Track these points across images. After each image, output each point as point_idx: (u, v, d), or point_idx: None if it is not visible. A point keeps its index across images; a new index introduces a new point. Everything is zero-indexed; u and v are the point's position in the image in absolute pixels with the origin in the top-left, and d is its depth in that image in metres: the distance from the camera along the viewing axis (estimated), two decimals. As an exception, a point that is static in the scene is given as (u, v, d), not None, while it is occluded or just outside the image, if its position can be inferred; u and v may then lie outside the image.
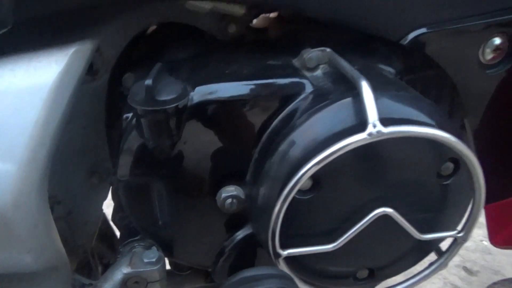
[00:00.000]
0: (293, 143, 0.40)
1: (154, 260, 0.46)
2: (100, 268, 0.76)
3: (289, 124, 0.42)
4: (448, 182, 0.42)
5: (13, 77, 0.41)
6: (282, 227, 0.40)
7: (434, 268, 0.48)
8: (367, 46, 0.53)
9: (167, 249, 0.49)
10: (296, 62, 0.47)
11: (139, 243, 0.49)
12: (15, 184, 0.41)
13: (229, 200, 0.45)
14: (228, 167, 0.45)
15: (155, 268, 0.46)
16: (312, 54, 0.46)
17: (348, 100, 0.39)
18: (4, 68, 0.40)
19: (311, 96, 0.43)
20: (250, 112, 0.43)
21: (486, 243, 1.47)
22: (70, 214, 0.59)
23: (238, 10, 0.48)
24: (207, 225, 0.48)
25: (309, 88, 0.43)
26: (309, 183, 0.40)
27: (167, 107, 0.39)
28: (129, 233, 0.50)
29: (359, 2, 0.45)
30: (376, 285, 0.50)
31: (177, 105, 0.39)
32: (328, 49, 0.46)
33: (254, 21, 0.61)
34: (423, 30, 0.47)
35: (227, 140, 0.44)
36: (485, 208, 0.71)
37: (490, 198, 0.66)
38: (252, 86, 0.43)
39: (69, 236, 0.61)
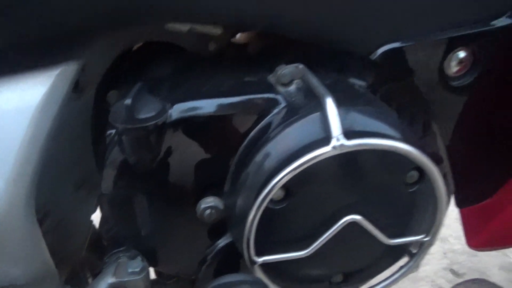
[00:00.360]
0: (265, 155, 0.43)
1: (138, 269, 0.48)
2: (90, 279, 0.78)
3: (262, 138, 0.44)
4: (413, 189, 0.45)
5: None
6: (257, 235, 0.43)
7: (405, 271, 0.50)
8: (341, 60, 0.56)
9: (151, 258, 0.51)
10: (271, 78, 0.50)
11: (124, 254, 0.51)
12: (3, 200, 0.43)
13: (208, 211, 0.47)
14: (207, 179, 0.47)
15: (139, 277, 0.48)
16: (286, 70, 0.49)
17: (316, 115, 0.42)
18: (-10, 90, 0.43)
19: (283, 111, 0.45)
20: (226, 127, 0.46)
21: (473, 245, 1.49)
22: (59, 226, 0.61)
23: (215, 30, 0.50)
24: (189, 235, 0.51)
25: (282, 103, 0.46)
26: (282, 194, 0.42)
27: (146, 124, 0.41)
28: (114, 244, 0.52)
29: (329, 21, 0.48)
30: (352, 288, 0.53)
31: (156, 123, 0.42)
32: (301, 65, 0.49)
33: (238, 35, 0.63)
34: (391, 45, 0.50)
35: (205, 154, 0.46)
36: (461, 211, 0.74)
37: (466, 202, 0.69)
38: (228, 103, 0.46)
39: (58, 248, 0.62)
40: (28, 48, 0.44)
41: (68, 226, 0.63)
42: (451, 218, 0.67)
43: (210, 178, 0.47)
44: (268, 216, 0.42)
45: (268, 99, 0.47)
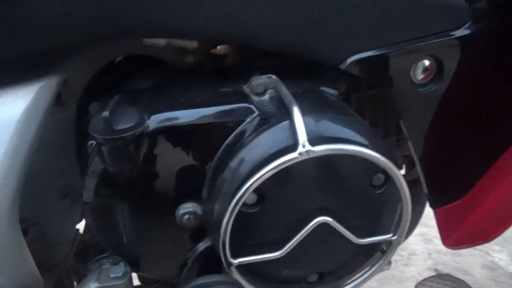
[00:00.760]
0: (239, 162, 0.45)
1: (120, 274, 0.50)
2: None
3: (236, 145, 0.47)
4: (380, 191, 0.48)
5: (-17, 113, 0.45)
6: (232, 238, 0.45)
7: (376, 268, 0.53)
8: (313, 71, 0.59)
9: (134, 264, 0.53)
10: (246, 88, 0.52)
11: (108, 260, 0.53)
12: (-14, 211, 0.45)
13: (187, 216, 0.49)
14: (185, 186, 0.49)
15: (121, 282, 0.50)
16: (259, 80, 0.51)
17: (285, 123, 0.44)
18: (-27, 105, 0.44)
19: (256, 119, 0.48)
20: (202, 135, 0.48)
21: (457, 245, 1.53)
22: (44, 236, 0.62)
23: (190, 44, 0.53)
24: (170, 240, 0.53)
25: (255, 112, 0.49)
26: (255, 198, 0.45)
27: (124, 135, 0.43)
28: (98, 251, 0.54)
29: (298, 35, 0.51)
30: (327, 287, 0.55)
31: (134, 133, 0.44)
32: (273, 76, 0.52)
33: (219, 47, 0.66)
34: (359, 55, 0.53)
35: (183, 162, 0.48)
36: (436, 212, 0.77)
37: (439, 203, 0.72)
38: (203, 113, 0.48)
39: (44, 257, 0.64)
40: (10, 62, 0.46)
41: (53, 236, 0.64)
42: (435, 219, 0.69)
43: (188, 184, 0.49)
44: (242, 220, 0.45)
45: (242, 108, 0.49)
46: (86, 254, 0.84)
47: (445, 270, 1.45)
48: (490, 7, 0.54)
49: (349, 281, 0.54)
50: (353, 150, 0.43)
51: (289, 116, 0.44)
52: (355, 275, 0.54)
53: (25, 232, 0.52)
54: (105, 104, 0.50)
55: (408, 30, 0.53)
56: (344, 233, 0.47)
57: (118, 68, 0.62)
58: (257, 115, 0.48)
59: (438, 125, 0.61)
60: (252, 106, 0.49)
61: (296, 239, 0.46)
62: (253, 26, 0.48)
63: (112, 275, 0.49)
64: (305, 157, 0.41)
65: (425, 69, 0.56)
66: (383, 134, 0.67)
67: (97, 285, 0.49)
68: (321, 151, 0.42)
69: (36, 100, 0.46)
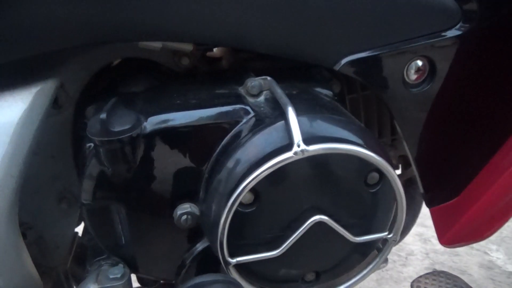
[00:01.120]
0: (235, 162, 0.45)
1: (119, 276, 0.50)
2: (75, 290, 0.79)
3: (232, 146, 0.47)
4: (375, 190, 0.48)
5: (-19, 116, 0.45)
6: (230, 237, 0.45)
7: (372, 267, 0.53)
8: (308, 72, 0.60)
9: (132, 265, 0.53)
10: (241, 89, 0.53)
11: (106, 261, 0.54)
12: (-15, 214, 0.45)
13: (184, 217, 0.49)
14: (182, 187, 0.50)
15: (120, 283, 0.50)
16: (255, 82, 0.52)
17: (280, 123, 0.45)
18: (-28, 109, 0.45)
19: (252, 121, 0.49)
20: (199, 137, 0.48)
21: (454, 245, 1.53)
22: (41, 239, 0.63)
23: (186, 47, 0.54)
24: (168, 241, 0.53)
25: (250, 113, 0.49)
26: (251, 197, 0.45)
27: (121, 137, 0.44)
28: (96, 253, 0.54)
29: (292, 37, 0.51)
30: (324, 286, 0.55)
31: (131, 135, 0.45)
32: (269, 78, 0.52)
33: (215, 49, 0.67)
34: (353, 56, 0.53)
35: (180, 163, 0.49)
36: (431, 210, 0.78)
37: (435, 202, 0.73)
38: (200, 114, 0.49)
39: (42, 260, 0.64)
40: (8, 67, 0.47)
41: (51, 239, 0.64)
42: (432, 219, 0.70)
43: (186, 185, 0.50)
44: (239, 219, 0.45)
45: (238, 109, 0.50)
46: (85, 257, 0.85)
47: (443, 269, 1.46)
48: (481, 8, 0.54)
49: (346, 280, 0.54)
50: (347, 149, 0.44)
51: (284, 116, 0.45)
52: (352, 274, 0.55)
53: (22, 235, 0.52)
54: (102, 107, 0.51)
55: (400, 31, 0.54)
56: (340, 232, 0.48)
57: (114, 71, 0.63)
58: (253, 116, 0.49)
59: (432, 125, 0.62)
60: (247, 107, 0.50)
61: (293, 238, 0.47)
62: (247, 28, 0.48)
63: (111, 276, 0.49)
64: (300, 156, 0.42)
65: (418, 70, 0.57)
66: (377, 134, 0.68)
67: (96, 286, 0.49)
68: (315, 150, 0.42)
69: (34, 103, 0.47)
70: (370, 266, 0.53)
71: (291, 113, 0.43)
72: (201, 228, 0.52)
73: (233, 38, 0.49)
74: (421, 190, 0.68)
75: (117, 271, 0.51)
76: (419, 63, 0.56)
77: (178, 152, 0.48)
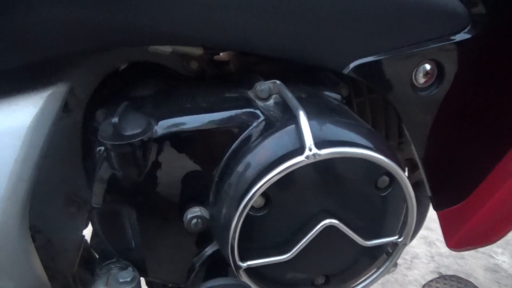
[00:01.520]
0: (245, 166, 0.45)
1: (129, 279, 0.50)
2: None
3: (242, 149, 0.47)
4: (385, 193, 0.48)
5: (-7, 120, 0.45)
6: (240, 241, 0.45)
7: (382, 271, 0.53)
8: (316, 75, 0.60)
9: (141, 269, 0.53)
10: (250, 93, 0.53)
11: (116, 265, 0.54)
12: (-3, 218, 0.45)
13: (195, 220, 0.49)
14: (192, 191, 0.50)
15: (130, 287, 0.50)
16: (264, 86, 0.52)
17: (291, 127, 0.45)
18: (-15, 113, 0.45)
19: (262, 124, 0.49)
20: (209, 140, 0.49)
21: (459, 248, 1.53)
22: (50, 242, 0.63)
23: (196, 51, 0.54)
24: (177, 244, 0.53)
25: (260, 117, 0.49)
26: (262, 201, 0.45)
27: (133, 141, 0.44)
28: (105, 256, 0.54)
29: (301, 41, 0.52)
30: (334, 290, 0.55)
31: (142, 139, 0.45)
32: (278, 81, 0.52)
33: (222, 53, 0.67)
34: (361, 60, 0.53)
35: (190, 167, 0.49)
36: (439, 214, 0.77)
37: (442, 205, 0.72)
38: (210, 118, 0.49)
39: (50, 263, 0.64)
40: (20, 71, 0.47)
41: (59, 242, 0.65)
42: (438, 222, 0.70)
43: (196, 189, 0.50)
44: (250, 223, 0.45)
45: (248, 113, 0.50)
46: (92, 261, 0.85)
47: (448, 273, 1.45)
48: (489, 12, 0.55)
49: (355, 284, 0.54)
50: (358, 153, 0.44)
51: (294, 120, 0.45)
52: (361, 278, 0.55)
53: (32, 238, 0.52)
54: (111, 111, 0.51)
55: (409, 35, 0.54)
56: (350, 236, 0.48)
57: (121, 75, 0.63)
58: (263, 120, 0.49)
59: (440, 128, 0.62)
60: (257, 111, 0.50)
61: (304, 242, 0.47)
62: (258, 32, 0.49)
63: (121, 280, 0.49)
64: (311, 160, 0.42)
65: (426, 73, 0.57)
66: (385, 137, 0.68)
67: (106, 290, 0.49)
68: (327, 154, 0.43)
69: (45, 107, 0.47)
70: (380, 270, 0.53)
71: (302, 117, 0.43)
72: (210, 231, 0.52)
73: (243, 42, 0.49)
74: (429, 193, 0.67)
75: (127, 274, 0.51)
76: (428, 66, 0.56)
77: (189, 156, 0.48)
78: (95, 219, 0.50)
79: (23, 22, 0.44)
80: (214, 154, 0.49)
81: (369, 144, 0.45)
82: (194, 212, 0.50)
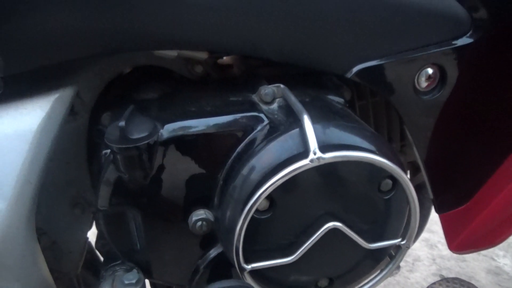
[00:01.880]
0: (250, 169, 0.46)
1: (134, 281, 0.51)
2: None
3: (247, 153, 0.48)
4: (388, 196, 0.49)
5: (1, 124, 0.46)
6: (245, 243, 0.46)
7: (385, 273, 0.54)
8: (319, 79, 0.61)
9: (146, 271, 0.54)
10: (255, 97, 0.54)
11: (121, 267, 0.54)
12: (4, 220, 0.46)
13: (199, 223, 0.50)
14: (197, 193, 0.50)
15: (135, 289, 0.50)
16: (268, 90, 0.53)
17: (295, 131, 0.46)
18: (-7, 116, 0.46)
19: (266, 128, 0.49)
20: (214, 144, 0.49)
21: (461, 250, 1.53)
22: (55, 244, 0.63)
23: (201, 55, 0.54)
24: (182, 247, 0.53)
25: (264, 121, 0.50)
26: (267, 204, 0.46)
27: (139, 144, 0.45)
28: (111, 258, 0.55)
29: (304, 45, 0.52)
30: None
31: (148, 142, 0.45)
32: (282, 85, 0.53)
33: (225, 57, 0.67)
34: (364, 64, 0.54)
35: (195, 170, 0.49)
36: (441, 217, 0.78)
37: (445, 208, 0.73)
38: (215, 122, 0.49)
39: (55, 265, 0.65)
40: (27, 75, 0.47)
41: (65, 244, 0.65)
42: (439, 224, 0.70)
43: (200, 192, 0.50)
44: (255, 226, 0.46)
45: (252, 117, 0.51)
46: (95, 262, 0.86)
47: (450, 275, 1.46)
48: (491, 16, 0.55)
49: (358, 286, 0.55)
50: (362, 157, 0.44)
51: (298, 124, 0.45)
52: (364, 280, 0.55)
53: (37, 240, 0.53)
54: (117, 114, 0.51)
55: (411, 40, 0.54)
56: (354, 238, 0.48)
57: (126, 78, 0.64)
58: (267, 124, 0.50)
59: (442, 131, 0.62)
60: (261, 115, 0.50)
61: (308, 244, 0.47)
62: (262, 37, 0.49)
63: (126, 282, 0.50)
64: (316, 164, 0.43)
65: (429, 77, 0.57)
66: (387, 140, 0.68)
67: (111, 292, 0.50)
68: (331, 158, 0.43)
69: (52, 111, 0.48)
70: (383, 273, 0.54)
71: (306, 121, 0.43)
72: (215, 234, 0.52)
73: (249, 46, 0.50)
74: (431, 196, 0.68)
75: (132, 276, 0.51)
76: (430, 70, 0.57)
77: (194, 159, 0.49)
78: (101, 221, 0.51)
79: (33, 28, 0.45)
80: (219, 157, 0.49)
81: (373, 148, 0.46)
82: (199, 215, 0.50)
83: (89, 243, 0.80)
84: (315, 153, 0.42)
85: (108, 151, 0.49)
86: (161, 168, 0.48)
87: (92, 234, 0.70)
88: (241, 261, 0.47)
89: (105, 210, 0.49)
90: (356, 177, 0.47)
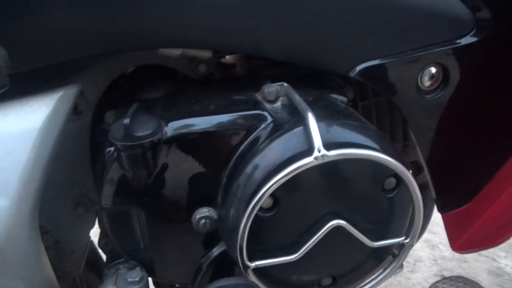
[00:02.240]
0: (254, 167, 0.46)
1: (137, 279, 0.51)
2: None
3: (251, 151, 0.48)
4: (392, 195, 0.49)
5: (6, 121, 0.46)
6: (249, 241, 0.46)
7: (388, 272, 0.54)
8: (323, 78, 0.61)
9: (150, 269, 0.54)
10: (258, 95, 0.54)
11: (124, 265, 0.54)
12: (8, 218, 0.46)
13: (203, 221, 0.50)
14: (201, 191, 0.50)
15: (138, 286, 0.50)
16: (271, 88, 0.53)
17: (299, 129, 0.46)
18: (-2, 114, 0.46)
19: (270, 126, 0.49)
20: (217, 142, 0.49)
21: (462, 251, 1.53)
22: (58, 243, 0.63)
23: (205, 54, 0.55)
24: (185, 245, 0.53)
25: (268, 119, 0.50)
26: (270, 202, 0.46)
27: (143, 142, 0.45)
28: (114, 256, 0.55)
29: (308, 44, 0.52)
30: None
31: (152, 140, 0.45)
32: (285, 84, 0.53)
33: (228, 56, 0.68)
34: (368, 63, 0.54)
35: (199, 168, 0.49)
36: (444, 217, 0.78)
37: (447, 207, 0.73)
38: (219, 120, 0.49)
39: (58, 264, 0.65)
40: (32, 74, 0.48)
41: (68, 243, 0.65)
42: (441, 225, 0.70)
43: (204, 190, 0.50)
44: (258, 224, 0.46)
45: (256, 115, 0.51)
46: (97, 261, 0.86)
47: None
48: (494, 16, 0.55)
49: (362, 285, 0.55)
50: (366, 155, 0.44)
51: (302, 122, 0.45)
52: (367, 279, 0.55)
53: (41, 238, 0.53)
54: (121, 113, 0.52)
55: (415, 39, 0.55)
56: (358, 236, 0.48)
57: (129, 77, 0.64)
58: (271, 122, 0.50)
59: (445, 130, 0.62)
60: (265, 113, 0.50)
61: (311, 243, 0.47)
62: (266, 36, 0.49)
63: (129, 280, 0.50)
64: (320, 161, 0.43)
65: (432, 77, 0.57)
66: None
67: (115, 290, 0.50)
68: (335, 155, 0.43)
69: (56, 109, 0.48)
70: (387, 271, 0.54)
71: (311, 119, 0.43)
72: (218, 232, 0.52)
73: (252, 45, 0.50)
74: (434, 195, 0.68)
75: (135, 274, 0.51)
76: (433, 70, 0.57)
77: (197, 157, 0.49)
78: (104, 220, 0.51)
79: (39, 27, 0.45)
80: (222, 155, 0.49)
81: (377, 146, 0.46)
82: (203, 213, 0.50)
83: (91, 242, 0.81)
84: (319, 151, 0.42)
85: (112, 149, 0.49)
86: (165, 166, 0.48)
87: (93, 234, 0.70)
88: (245, 259, 0.47)
89: (108, 208, 0.50)
90: (360, 175, 0.47)
